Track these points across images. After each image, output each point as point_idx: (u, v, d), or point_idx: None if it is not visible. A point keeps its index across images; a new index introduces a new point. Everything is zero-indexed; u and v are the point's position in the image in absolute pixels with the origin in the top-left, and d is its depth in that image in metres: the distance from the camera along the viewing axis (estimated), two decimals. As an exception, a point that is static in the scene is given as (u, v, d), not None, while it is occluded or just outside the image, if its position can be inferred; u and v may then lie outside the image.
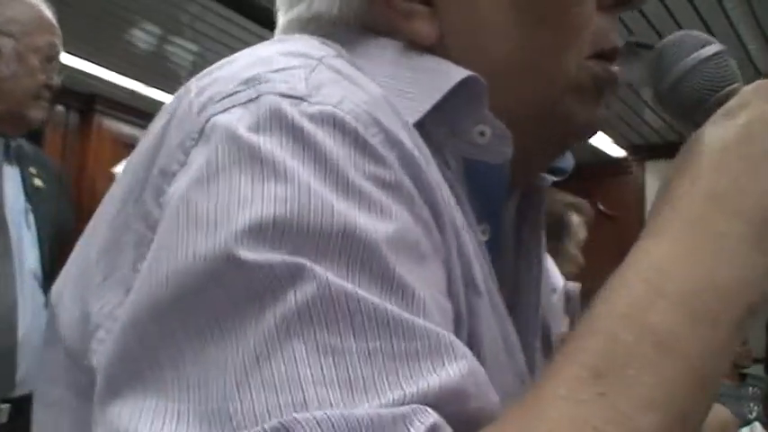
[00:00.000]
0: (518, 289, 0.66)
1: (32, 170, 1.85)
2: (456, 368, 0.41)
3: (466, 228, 0.53)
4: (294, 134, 0.43)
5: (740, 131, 0.50)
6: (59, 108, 4.84)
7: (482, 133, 0.55)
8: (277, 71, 0.47)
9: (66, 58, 4.19)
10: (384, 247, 0.42)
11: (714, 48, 0.57)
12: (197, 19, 3.87)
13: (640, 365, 0.41)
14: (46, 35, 1.84)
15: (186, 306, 0.41)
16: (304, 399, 0.37)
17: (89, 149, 4.98)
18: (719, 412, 0.74)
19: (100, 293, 0.48)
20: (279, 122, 0.44)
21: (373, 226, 0.42)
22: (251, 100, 0.45)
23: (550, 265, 0.84)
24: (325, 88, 0.46)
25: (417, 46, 0.57)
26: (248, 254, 0.40)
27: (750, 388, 4.01)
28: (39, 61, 1.82)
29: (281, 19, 0.63)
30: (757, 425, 2.46)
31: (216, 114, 0.46)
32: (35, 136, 2.07)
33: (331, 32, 0.58)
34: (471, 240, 0.53)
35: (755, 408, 3.91)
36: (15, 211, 1.76)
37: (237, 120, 0.44)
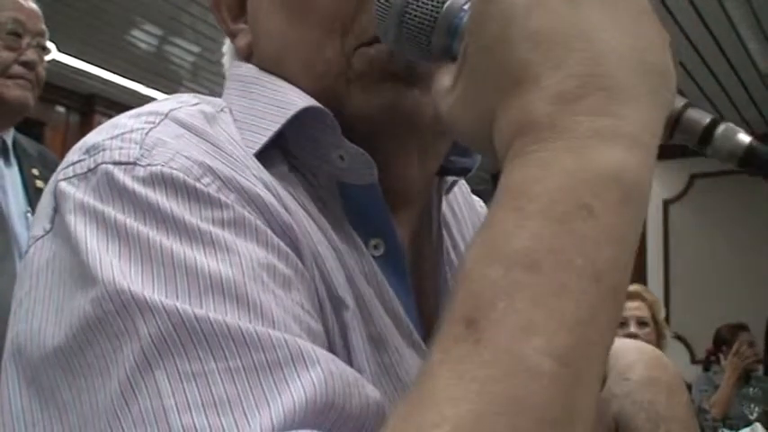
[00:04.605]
0: (437, 296, 0.66)
1: (35, 171, 1.83)
2: (319, 371, 0.42)
3: (339, 245, 0.55)
4: (129, 198, 0.47)
5: (515, 9, 0.43)
6: (60, 109, 4.84)
7: (341, 157, 0.56)
8: (115, 137, 0.50)
9: (68, 59, 4.20)
10: (231, 275, 0.44)
11: None
12: (198, 20, 3.87)
13: (510, 294, 0.37)
14: (6, 11, 1.79)
15: (63, 356, 0.44)
16: (169, 429, 0.39)
17: (89, 150, 4.98)
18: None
19: None
20: (116, 190, 0.48)
21: (217, 259, 0.45)
22: (90, 170, 0.49)
23: None
24: (158, 148, 0.49)
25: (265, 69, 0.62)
26: (106, 287, 0.44)
27: (751, 389, 4.01)
28: (1, 38, 1.77)
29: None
30: (758, 426, 2.46)
31: (61, 181, 0.50)
32: (36, 136, 2.03)
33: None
34: (346, 256, 0.55)
35: (756, 408, 3.91)
36: (16, 212, 1.75)
37: (80, 190, 0.49)
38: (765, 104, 4.77)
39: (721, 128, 0.46)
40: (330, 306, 0.53)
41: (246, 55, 0.64)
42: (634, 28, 0.43)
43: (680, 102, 0.46)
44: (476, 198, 0.79)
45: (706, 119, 0.46)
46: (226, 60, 0.69)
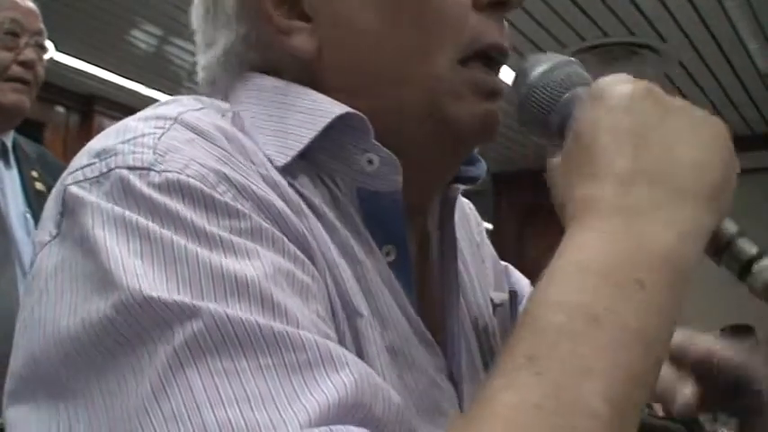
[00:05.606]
0: (443, 304, 0.66)
1: (34, 173, 1.82)
2: (348, 373, 0.42)
3: (355, 251, 0.55)
4: (146, 204, 0.46)
5: (613, 110, 0.52)
6: (60, 109, 4.84)
7: (370, 161, 0.56)
8: (127, 141, 0.50)
9: (67, 59, 4.20)
10: (256, 279, 0.44)
11: (558, 58, 0.59)
12: (197, 20, 3.86)
13: (573, 340, 0.43)
14: (3, 11, 1.77)
15: (89, 361, 0.44)
16: (203, 424, 0.39)
17: (89, 150, 4.98)
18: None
19: None
20: (131, 195, 0.47)
21: (240, 264, 0.45)
22: (102, 174, 0.48)
23: (513, 272, 0.83)
24: (172, 153, 0.49)
25: (300, 81, 0.59)
26: (135, 294, 0.43)
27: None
28: None
29: (199, 69, 0.65)
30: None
31: (71, 185, 0.49)
32: (36, 137, 2.00)
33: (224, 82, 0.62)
34: (361, 263, 0.55)
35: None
36: (15, 215, 1.74)
37: (93, 194, 0.48)
38: (765, 104, 4.76)
39: (766, 261, 0.51)
40: (343, 314, 0.53)
41: (309, 60, 0.59)
42: (710, 149, 0.51)
43: (733, 228, 0.52)
44: (464, 200, 0.79)
45: (753, 249, 0.52)
46: (215, 66, 0.63)
